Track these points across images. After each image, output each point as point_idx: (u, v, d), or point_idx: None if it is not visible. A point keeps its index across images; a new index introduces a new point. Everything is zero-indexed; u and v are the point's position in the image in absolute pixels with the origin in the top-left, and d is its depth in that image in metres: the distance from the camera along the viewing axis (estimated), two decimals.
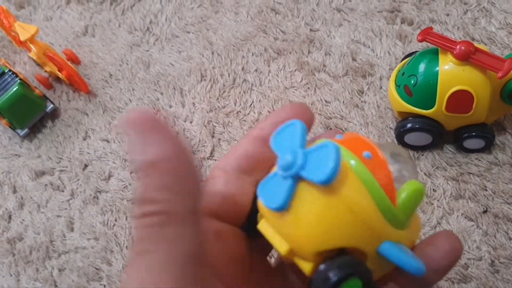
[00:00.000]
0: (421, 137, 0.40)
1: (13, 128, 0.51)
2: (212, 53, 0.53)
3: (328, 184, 0.17)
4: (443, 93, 0.37)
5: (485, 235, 0.38)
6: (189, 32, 0.55)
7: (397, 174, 0.20)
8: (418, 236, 0.21)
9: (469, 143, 0.40)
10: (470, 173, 0.40)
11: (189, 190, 0.17)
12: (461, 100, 0.37)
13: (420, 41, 0.37)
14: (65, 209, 0.47)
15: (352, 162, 0.18)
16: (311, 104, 0.47)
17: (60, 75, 0.52)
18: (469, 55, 0.35)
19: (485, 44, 0.46)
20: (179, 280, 0.15)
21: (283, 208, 0.18)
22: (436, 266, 0.19)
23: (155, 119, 0.17)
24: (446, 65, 0.37)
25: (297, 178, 0.18)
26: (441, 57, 0.37)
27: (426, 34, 0.37)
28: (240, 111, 0.48)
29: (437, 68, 0.37)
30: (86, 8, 0.61)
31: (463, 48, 0.35)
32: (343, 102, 0.46)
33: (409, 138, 0.40)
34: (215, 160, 0.46)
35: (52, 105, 0.52)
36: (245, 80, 0.50)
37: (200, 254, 0.17)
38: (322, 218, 0.18)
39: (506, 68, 0.35)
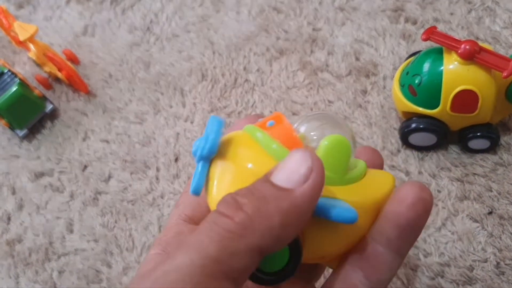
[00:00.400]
0: (425, 138, 0.39)
1: (12, 128, 0.50)
2: (213, 52, 0.52)
3: (212, 155, 0.20)
4: (448, 92, 0.36)
5: (490, 237, 0.37)
6: (190, 32, 0.55)
7: (310, 133, 0.21)
8: (380, 192, 0.21)
9: (474, 144, 0.39)
10: (475, 174, 0.40)
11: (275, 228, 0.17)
12: (466, 99, 0.36)
13: (425, 40, 0.37)
14: (65, 210, 0.46)
15: (258, 134, 0.21)
16: (314, 104, 0.46)
17: (59, 75, 0.52)
18: (474, 55, 0.35)
19: (490, 44, 0.45)
20: None
21: (199, 189, 0.20)
22: (403, 221, 0.19)
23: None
24: (451, 65, 0.36)
25: (206, 161, 0.20)
26: (445, 56, 0.37)
27: (431, 33, 0.37)
28: (241, 111, 0.48)
29: (442, 68, 0.36)
30: (86, 8, 0.60)
31: (467, 47, 0.35)
32: (346, 102, 0.46)
33: (414, 138, 0.40)
34: None
35: (51, 106, 0.51)
36: (246, 80, 0.50)
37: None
38: (232, 186, 0.20)
39: (511, 67, 0.34)
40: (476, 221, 0.38)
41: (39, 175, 0.49)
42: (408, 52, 0.47)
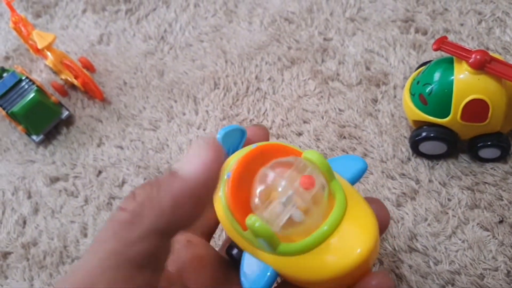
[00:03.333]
0: (436, 146, 0.40)
1: (28, 134, 0.52)
2: (226, 61, 0.53)
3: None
4: (459, 102, 0.37)
5: (501, 245, 0.37)
6: (203, 41, 0.56)
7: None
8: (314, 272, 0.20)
9: (484, 153, 0.40)
10: (486, 182, 0.40)
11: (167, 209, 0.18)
12: (476, 109, 0.37)
13: (435, 50, 0.37)
14: (79, 215, 0.47)
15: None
16: (325, 113, 0.47)
17: (75, 82, 0.53)
18: (484, 64, 0.35)
19: (500, 54, 0.45)
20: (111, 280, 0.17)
21: None
22: None
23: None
24: (461, 74, 0.37)
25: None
26: (456, 66, 0.37)
27: (441, 43, 0.37)
28: (253, 119, 0.49)
29: (452, 77, 0.37)
30: (102, 17, 0.62)
31: (478, 57, 0.35)
32: (357, 110, 0.46)
33: (424, 147, 0.40)
34: None
35: (67, 112, 0.52)
36: (258, 88, 0.51)
37: (154, 264, 0.18)
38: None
39: None
40: (486, 229, 0.38)
41: (54, 180, 0.50)
42: (418, 62, 0.48)
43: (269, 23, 0.55)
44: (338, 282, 0.20)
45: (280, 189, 0.21)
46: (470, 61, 0.36)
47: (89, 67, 0.56)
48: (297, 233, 0.21)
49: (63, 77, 0.55)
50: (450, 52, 0.37)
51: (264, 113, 0.49)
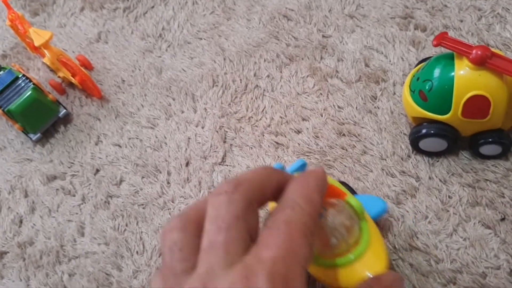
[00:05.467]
0: (436, 143, 0.39)
1: (25, 132, 0.51)
2: (224, 59, 0.53)
3: None
4: (459, 98, 0.36)
5: (503, 243, 0.37)
6: (201, 39, 0.55)
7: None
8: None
9: (486, 149, 0.39)
10: (487, 179, 0.39)
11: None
12: (477, 105, 0.36)
13: (436, 45, 0.37)
14: (76, 213, 0.47)
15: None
16: (324, 110, 0.47)
17: (73, 80, 0.52)
18: (485, 60, 0.35)
19: (500, 50, 0.45)
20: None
21: None
22: None
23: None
24: (462, 70, 0.36)
25: None
26: (456, 62, 0.37)
27: (442, 39, 0.37)
28: (252, 117, 0.48)
29: (453, 73, 0.36)
30: (100, 15, 0.61)
31: (479, 52, 0.35)
32: (356, 107, 0.46)
33: (424, 144, 0.40)
34: (227, 165, 0.46)
35: (64, 110, 0.52)
36: (257, 86, 0.50)
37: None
38: None
39: None
40: (488, 227, 0.37)
41: (51, 178, 0.49)
42: (418, 58, 0.47)
43: (268, 20, 0.54)
44: None
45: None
46: (471, 56, 0.35)
47: (87, 65, 0.56)
48: (331, 254, 0.30)
49: (60, 75, 0.55)
50: (451, 48, 0.36)
51: (262, 111, 0.48)
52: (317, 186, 0.25)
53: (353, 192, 0.39)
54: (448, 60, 0.37)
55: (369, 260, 0.29)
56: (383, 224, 0.39)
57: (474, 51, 0.35)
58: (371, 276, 0.28)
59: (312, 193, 0.24)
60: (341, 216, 0.29)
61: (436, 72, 0.37)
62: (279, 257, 0.20)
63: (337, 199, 0.30)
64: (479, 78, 0.36)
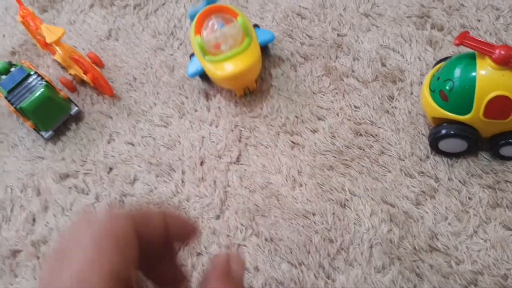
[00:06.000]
0: (456, 144, 0.39)
1: (37, 130, 0.51)
2: None
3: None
4: (481, 98, 0.36)
5: None
6: None
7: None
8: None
9: (506, 151, 0.39)
10: (507, 181, 0.39)
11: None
12: (499, 106, 0.36)
13: (458, 45, 0.36)
14: (90, 212, 0.46)
15: None
16: (340, 109, 0.46)
17: (85, 78, 0.52)
18: (509, 60, 0.35)
19: None
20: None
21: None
22: None
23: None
24: (484, 70, 0.36)
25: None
26: (478, 61, 0.36)
27: (463, 38, 0.36)
28: (267, 116, 0.48)
29: (475, 73, 0.36)
30: (110, 12, 0.61)
31: (502, 52, 0.35)
32: (373, 107, 0.45)
33: (444, 144, 0.40)
34: (242, 164, 0.45)
35: (76, 108, 0.52)
36: (272, 85, 0.50)
37: None
38: None
39: None
40: (509, 229, 0.37)
41: (63, 176, 0.49)
42: (435, 58, 0.47)
43: (281, 19, 0.54)
44: (231, 81, 0.46)
45: (215, 27, 0.46)
46: (494, 56, 0.35)
47: (98, 63, 0.55)
48: (216, 52, 0.45)
49: (72, 72, 0.54)
50: (473, 47, 0.36)
51: (277, 110, 0.48)
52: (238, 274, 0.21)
53: (257, 26, 0.51)
54: (469, 59, 0.37)
55: (243, 58, 0.44)
56: (402, 224, 0.39)
57: (497, 51, 0.35)
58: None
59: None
60: (233, 30, 0.45)
61: (457, 71, 0.37)
62: (73, 276, 0.17)
63: (232, 17, 0.46)
64: (502, 78, 0.35)
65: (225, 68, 0.44)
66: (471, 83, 0.36)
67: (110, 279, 0.17)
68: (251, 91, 0.49)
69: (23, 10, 0.52)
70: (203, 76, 0.49)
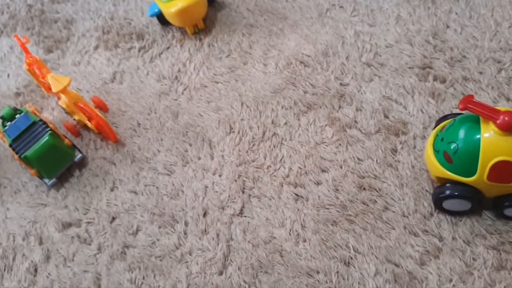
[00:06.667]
0: (460, 204, 0.39)
1: (41, 177, 0.51)
2: (241, 104, 0.53)
3: None
4: (485, 162, 0.36)
5: None
6: (217, 82, 0.55)
7: None
8: None
9: (510, 211, 0.39)
10: (511, 242, 0.39)
11: None
12: (504, 170, 0.36)
13: (462, 109, 0.37)
14: (92, 264, 0.46)
15: None
16: (343, 162, 0.46)
17: (89, 124, 0.52)
18: None
19: None
20: None
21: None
22: None
23: None
24: (488, 133, 0.36)
25: None
26: (482, 125, 0.37)
27: (468, 102, 0.37)
28: (270, 166, 0.48)
29: (479, 136, 0.36)
30: (114, 54, 0.61)
31: (506, 118, 0.35)
32: (376, 160, 0.46)
33: (448, 204, 0.40)
34: (246, 217, 0.45)
35: (80, 155, 0.52)
36: (275, 133, 0.50)
37: None
38: None
39: None
40: None
41: (66, 225, 0.49)
42: (438, 111, 0.47)
43: (284, 66, 0.54)
44: (182, 16, 0.58)
45: None
46: (498, 122, 0.35)
47: (102, 107, 0.56)
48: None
49: (76, 117, 0.55)
50: (477, 112, 0.36)
51: (281, 160, 0.48)
52: None
53: None
54: (473, 122, 0.37)
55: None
56: (407, 285, 0.39)
57: (501, 117, 0.35)
58: None
59: None
60: None
61: (461, 133, 0.37)
62: None
63: None
64: (506, 144, 0.35)
65: (176, 5, 0.57)
66: (475, 146, 0.36)
67: None
68: (200, 29, 0.60)
69: (30, 58, 0.53)
70: (160, 18, 0.61)
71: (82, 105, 0.51)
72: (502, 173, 0.36)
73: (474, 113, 0.36)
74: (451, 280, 0.38)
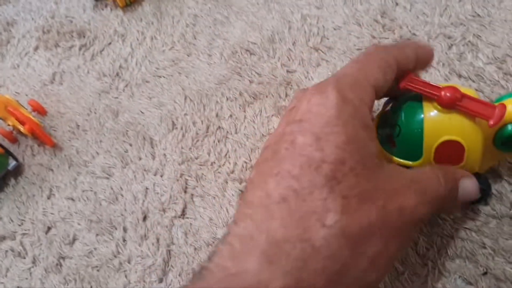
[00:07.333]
0: None
1: None
2: (185, 98, 0.50)
3: None
4: (430, 143, 0.33)
5: None
6: (160, 77, 0.52)
7: None
8: None
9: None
10: (466, 228, 0.36)
11: None
12: (450, 151, 0.33)
13: (402, 88, 0.34)
14: (26, 278, 0.43)
15: None
16: None
17: (22, 129, 0.49)
18: (455, 102, 0.32)
19: (473, 81, 0.42)
20: None
21: None
22: None
23: None
24: (431, 113, 0.33)
25: None
26: (425, 104, 0.33)
27: (408, 81, 0.34)
28: (214, 162, 0.45)
29: (422, 116, 0.33)
30: (55, 54, 0.58)
31: (448, 94, 0.32)
32: None
33: None
34: (188, 218, 0.42)
35: (14, 162, 0.48)
36: (219, 127, 0.47)
37: None
38: None
39: (497, 115, 0.31)
40: (469, 283, 0.34)
41: (0, 239, 0.45)
42: None
43: (229, 55, 0.51)
44: None
45: None
46: (439, 98, 0.32)
47: (40, 110, 0.52)
48: None
49: (10, 123, 0.51)
50: (418, 90, 0.33)
51: (226, 155, 0.45)
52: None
53: None
54: (416, 102, 0.34)
55: None
56: None
57: (442, 93, 0.32)
58: None
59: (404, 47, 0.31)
60: None
61: (403, 115, 0.34)
62: (349, 73, 0.29)
63: None
64: (450, 122, 0.32)
65: None
66: (418, 127, 0.33)
67: (374, 84, 0.29)
68: (132, 1, 0.59)
69: None
70: None
71: (12, 110, 0.48)
72: (449, 154, 0.33)
73: (415, 91, 0.33)
74: (403, 273, 0.35)
